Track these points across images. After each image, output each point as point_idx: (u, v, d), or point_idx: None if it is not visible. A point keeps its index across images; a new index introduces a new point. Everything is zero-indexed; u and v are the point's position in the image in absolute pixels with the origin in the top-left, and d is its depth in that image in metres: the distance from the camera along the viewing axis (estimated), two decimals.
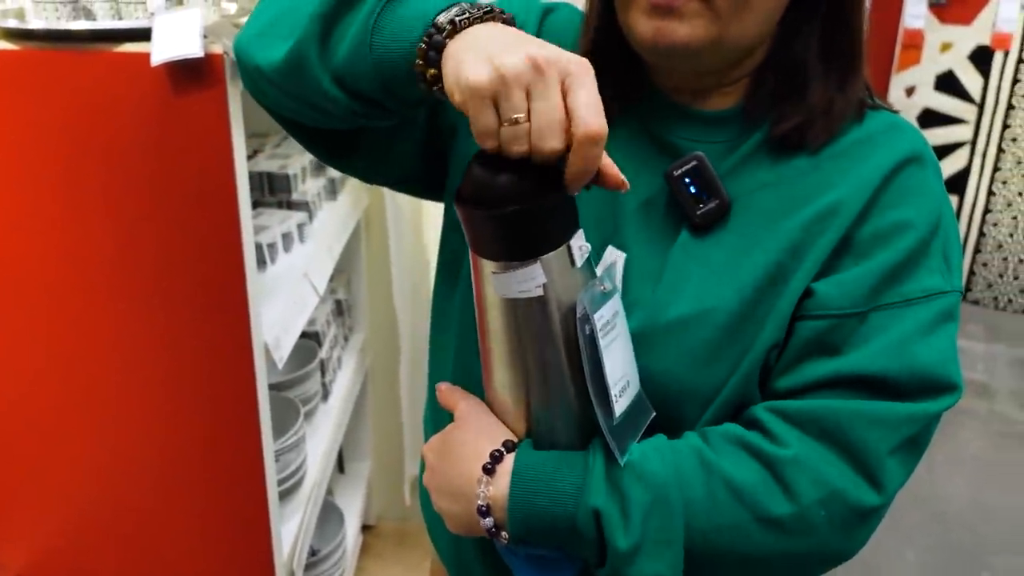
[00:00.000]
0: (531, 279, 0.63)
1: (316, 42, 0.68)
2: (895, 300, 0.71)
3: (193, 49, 0.94)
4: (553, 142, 0.57)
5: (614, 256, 0.77)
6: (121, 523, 1.19)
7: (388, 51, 0.64)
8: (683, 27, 0.69)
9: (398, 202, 1.94)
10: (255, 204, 1.51)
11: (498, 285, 0.64)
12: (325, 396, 1.71)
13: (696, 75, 0.76)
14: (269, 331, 1.16)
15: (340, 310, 1.89)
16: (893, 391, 0.70)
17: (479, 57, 0.57)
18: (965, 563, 2.36)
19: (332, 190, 1.73)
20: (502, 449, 0.71)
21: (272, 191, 1.56)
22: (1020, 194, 3.80)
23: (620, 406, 0.67)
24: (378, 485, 2.21)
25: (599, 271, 0.69)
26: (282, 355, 1.17)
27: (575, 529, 0.68)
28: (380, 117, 0.72)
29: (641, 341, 0.73)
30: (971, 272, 3.99)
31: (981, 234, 3.93)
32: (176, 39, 0.95)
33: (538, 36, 0.81)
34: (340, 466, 2.07)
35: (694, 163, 0.74)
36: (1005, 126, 3.74)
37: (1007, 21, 3.58)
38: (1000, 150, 3.78)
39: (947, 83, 3.79)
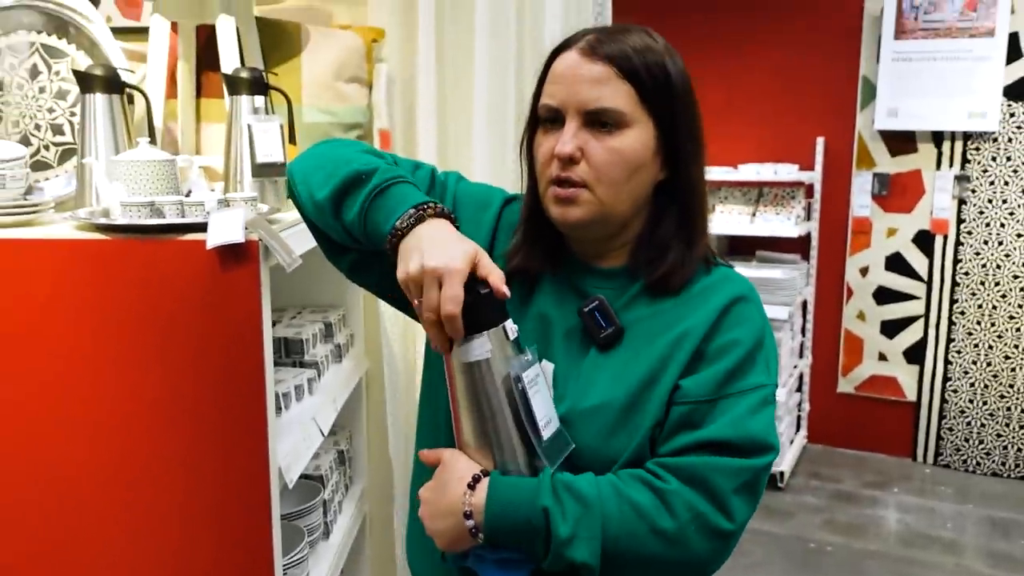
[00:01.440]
0: (481, 347, 0.97)
1: (332, 205, 1.10)
2: (734, 391, 1.03)
3: (237, 236, 1.25)
4: (433, 316, 0.96)
5: (547, 366, 1.11)
6: None
7: (373, 232, 1.04)
8: (578, 209, 1.06)
9: (395, 366, 2.24)
10: (274, 363, 1.81)
11: (461, 353, 0.99)
12: (326, 534, 1.94)
13: (593, 243, 1.12)
14: (283, 460, 1.42)
15: (342, 460, 2.14)
16: (734, 451, 1.01)
17: (404, 261, 0.97)
18: None
19: (338, 354, 2.04)
20: (480, 474, 1.02)
21: (288, 353, 1.87)
22: (975, 363, 4.07)
23: (547, 432, 0.99)
24: None
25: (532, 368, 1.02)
26: (291, 478, 1.43)
27: (531, 523, 0.97)
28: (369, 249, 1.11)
29: (566, 422, 1.05)
30: (939, 437, 4.18)
31: (944, 400, 4.16)
32: (225, 229, 1.27)
33: (498, 220, 1.21)
34: None
35: (596, 303, 1.09)
36: (953, 300, 4.07)
37: (942, 209, 4.01)
38: (951, 322, 4.09)
39: (896, 263, 4.18)
